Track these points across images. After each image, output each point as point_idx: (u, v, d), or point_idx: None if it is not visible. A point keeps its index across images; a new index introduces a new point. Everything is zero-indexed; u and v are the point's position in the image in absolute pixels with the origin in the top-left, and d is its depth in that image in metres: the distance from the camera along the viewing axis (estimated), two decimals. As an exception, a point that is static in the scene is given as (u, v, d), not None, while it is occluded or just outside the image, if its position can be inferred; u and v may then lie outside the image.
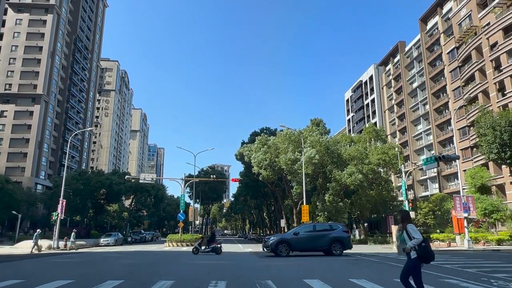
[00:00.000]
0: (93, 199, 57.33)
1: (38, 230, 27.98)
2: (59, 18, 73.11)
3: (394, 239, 29.23)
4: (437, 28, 58.53)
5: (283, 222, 47.07)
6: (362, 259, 17.97)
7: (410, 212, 30.00)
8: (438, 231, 39.32)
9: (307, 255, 21.06)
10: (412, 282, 6.16)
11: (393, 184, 52.92)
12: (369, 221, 51.72)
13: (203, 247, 22.31)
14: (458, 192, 33.85)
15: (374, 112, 77.27)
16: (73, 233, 29.55)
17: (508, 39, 40.32)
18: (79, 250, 28.97)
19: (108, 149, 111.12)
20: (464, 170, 41.91)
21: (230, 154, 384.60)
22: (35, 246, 25.93)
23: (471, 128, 43.13)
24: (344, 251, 20.39)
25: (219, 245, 22.39)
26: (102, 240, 38.51)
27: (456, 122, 47.49)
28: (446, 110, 54.63)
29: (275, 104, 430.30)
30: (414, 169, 53.92)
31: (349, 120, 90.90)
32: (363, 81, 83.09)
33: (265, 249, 20.42)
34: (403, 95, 66.68)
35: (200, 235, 34.71)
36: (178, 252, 25.31)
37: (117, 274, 11.72)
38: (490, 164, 40.08)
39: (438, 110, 56.91)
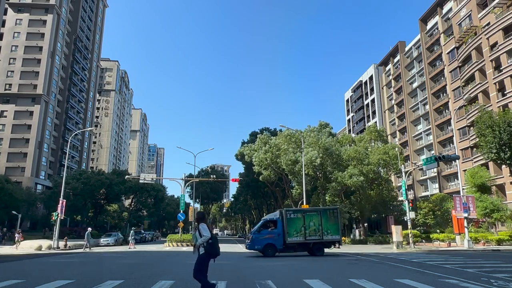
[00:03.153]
0: (93, 199, 57.32)
1: (89, 229, 30.28)
2: (59, 18, 73.11)
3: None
4: (437, 28, 58.52)
5: (283, 222, 46.99)
6: (362, 259, 17.97)
7: (410, 212, 29.99)
8: (438, 231, 39.33)
9: (311, 255, 21.04)
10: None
11: (393, 184, 52.91)
12: (369, 221, 51.67)
13: None
14: (458, 192, 33.84)
15: (374, 112, 77.27)
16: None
17: (508, 39, 40.31)
18: (78, 250, 28.96)
19: (108, 149, 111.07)
20: (464, 170, 41.89)
21: (230, 154, 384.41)
22: (87, 244, 28.43)
23: (471, 128, 43.13)
24: None
25: None
26: (102, 240, 38.47)
27: (456, 122, 47.48)
28: (446, 110, 54.62)
29: (275, 104, 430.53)
30: (414, 169, 53.88)
31: (349, 120, 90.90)
32: (363, 81, 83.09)
33: None
34: (403, 95, 66.67)
35: None
36: (178, 252, 25.30)
37: (117, 274, 11.72)
38: (490, 164, 40.07)
39: (438, 110, 56.90)
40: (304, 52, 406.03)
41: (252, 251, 21.61)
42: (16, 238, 28.42)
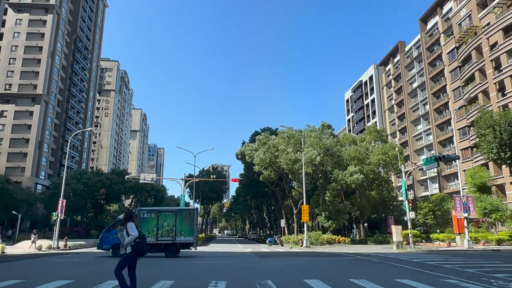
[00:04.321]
0: (93, 199, 57.28)
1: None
2: (59, 18, 73.10)
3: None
4: (437, 28, 58.53)
5: (283, 222, 47.09)
6: (362, 259, 17.98)
7: (410, 212, 29.99)
8: (438, 231, 39.33)
9: (311, 256, 21.04)
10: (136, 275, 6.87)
11: (393, 184, 52.90)
12: (369, 221, 51.68)
13: None
14: (458, 192, 33.85)
15: (374, 112, 77.27)
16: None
17: (508, 39, 40.31)
18: (78, 250, 28.97)
19: (108, 149, 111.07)
20: (464, 170, 41.91)
21: (230, 154, 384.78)
22: None
23: (471, 128, 43.11)
24: None
25: None
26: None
27: (456, 122, 47.48)
28: (446, 110, 54.62)
29: (275, 104, 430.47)
30: (414, 169, 53.87)
31: (349, 120, 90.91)
32: (363, 81, 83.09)
33: None
34: (403, 95, 66.68)
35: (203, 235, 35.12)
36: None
37: (117, 274, 11.69)
38: (490, 164, 40.07)
39: (438, 110, 56.89)
40: (304, 52, 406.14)
41: (101, 250, 21.20)
42: (32, 239, 28.66)
